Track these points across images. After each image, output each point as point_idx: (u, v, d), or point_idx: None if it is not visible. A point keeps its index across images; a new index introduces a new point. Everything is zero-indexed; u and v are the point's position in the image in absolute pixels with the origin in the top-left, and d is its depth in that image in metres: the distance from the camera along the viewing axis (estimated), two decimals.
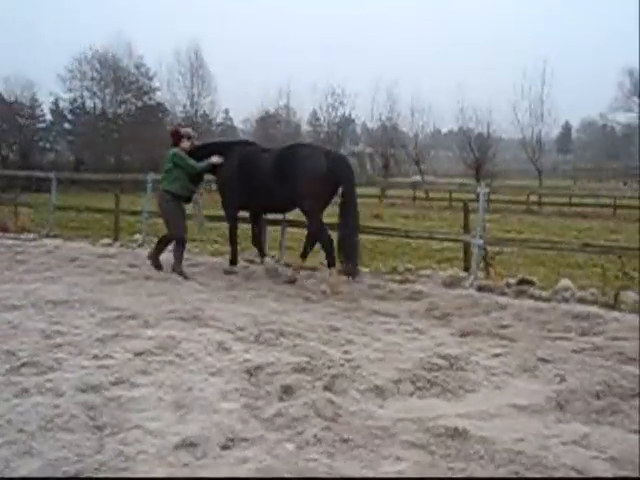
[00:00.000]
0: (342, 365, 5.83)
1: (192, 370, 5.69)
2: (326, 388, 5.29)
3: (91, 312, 7.70)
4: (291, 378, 5.41)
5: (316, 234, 10.27)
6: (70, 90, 61.40)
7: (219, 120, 74.33)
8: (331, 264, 10.13)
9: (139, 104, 62.37)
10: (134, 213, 15.74)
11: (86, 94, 61.54)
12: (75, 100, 62.24)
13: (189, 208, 11.29)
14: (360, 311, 8.27)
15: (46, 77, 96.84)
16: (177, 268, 10.61)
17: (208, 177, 11.80)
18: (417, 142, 60.32)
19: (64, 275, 10.28)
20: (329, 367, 5.74)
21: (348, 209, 10.09)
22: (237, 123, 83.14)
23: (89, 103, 62.12)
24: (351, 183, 10.13)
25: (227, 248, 11.63)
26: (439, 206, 35.98)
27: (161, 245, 11.15)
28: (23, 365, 5.66)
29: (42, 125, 65.51)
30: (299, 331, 7.01)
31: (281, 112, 68.49)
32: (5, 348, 6.13)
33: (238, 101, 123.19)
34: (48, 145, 65.94)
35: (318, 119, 68.52)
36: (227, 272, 10.91)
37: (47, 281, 9.69)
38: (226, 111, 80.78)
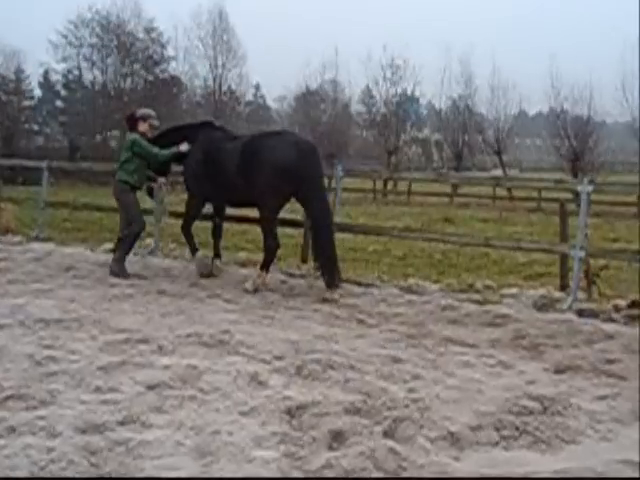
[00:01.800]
0: (407, 406, 5.80)
1: (218, 409, 5.71)
2: (387, 434, 5.27)
3: (92, 334, 7.78)
4: (343, 421, 5.41)
5: (265, 235, 10.98)
6: (64, 60, 61.18)
7: (248, 98, 74.74)
8: (263, 268, 10.92)
9: (149, 77, 62.06)
10: (143, 212, 15.83)
11: (84, 65, 61.32)
12: (70, 72, 62.39)
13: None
14: (429, 338, 8.22)
15: (34, 43, 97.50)
16: (118, 267, 11.34)
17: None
18: (498, 127, 59.69)
19: (58, 288, 10.40)
20: (390, 408, 5.72)
21: (316, 206, 10.88)
22: (270, 102, 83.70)
23: (87, 76, 61.81)
24: (319, 177, 11.13)
25: (257, 257, 11.67)
26: (526, 207, 35.64)
27: (125, 245, 11.67)
28: (9, 398, 5.73)
29: (29, 103, 65.73)
30: (352, 362, 6.99)
31: (326, 88, 68.55)
32: None
33: (272, 74, 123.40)
34: (36, 127, 66.36)
35: (372, 97, 67.92)
36: (202, 274, 11.64)
37: (37, 295, 9.81)
38: (257, 86, 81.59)
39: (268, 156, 10.76)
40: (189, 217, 12.07)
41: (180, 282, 11.11)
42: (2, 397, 5.73)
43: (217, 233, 12.31)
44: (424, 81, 77.39)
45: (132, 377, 6.36)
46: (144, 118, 11.86)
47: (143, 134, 11.78)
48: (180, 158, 11.91)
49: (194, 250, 11.97)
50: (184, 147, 11.68)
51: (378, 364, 7.05)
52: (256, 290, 10.54)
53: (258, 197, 10.87)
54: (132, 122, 11.85)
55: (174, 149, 11.66)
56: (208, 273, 11.62)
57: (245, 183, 10.93)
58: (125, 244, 11.56)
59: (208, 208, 12.38)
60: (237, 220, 13.28)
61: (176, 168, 12.53)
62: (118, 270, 11.24)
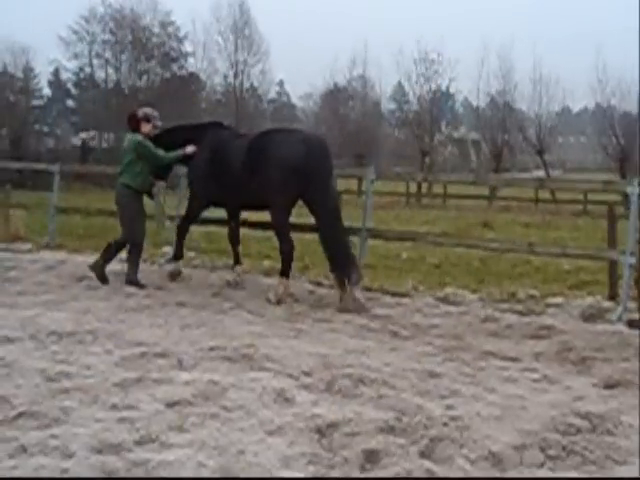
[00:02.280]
0: (445, 424, 5.78)
1: (243, 427, 5.70)
2: (424, 454, 5.26)
3: (107, 348, 7.81)
4: (376, 440, 5.39)
5: (279, 238, 11.04)
6: (75, 57, 61.71)
7: (272, 95, 74.92)
8: (283, 275, 10.97)
9: (165, 75, 62.36)
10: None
11: (96, 62, 61.86)
12: (81, 70, 62.90)
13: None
14: (468, 352, 8.21)
15: (44, 40, 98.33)
16: (132, 277, 11.40)
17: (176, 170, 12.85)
18: (540, 124, 59.49)
19: (70, 299, 10.48)
20: (427, 427, 5.70)
21: (326, 206, 10.93)
22: (295, 99, 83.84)
23: (100, 73, 62.38)
24: (328, 175, 11.13)
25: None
26: (571, 211, 35.54)
27: (110, 251, 11.79)
28: (20, 416, 5.75)
29: (38, 102, 66.21)
30: (385, 377, 6.99)
31: (355, 85, 68.59)
32: None
33: (297, 71, 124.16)
34: (46, 128, 66.63)
35: (405, 94, 67.99)
36: (171, 275, 12.08)
37: (49, 306, 9.87)
38: (281, 83, 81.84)
39: (275, 152, 10.88)
40: (188, 219, 12.25)
41: (200, 292, 11.17)
42: (13, 415, 5.74)
43: (234, 239, 12.41)
44: (460, 76, 77.16)
45: (150, 394, 6.37)
46: (148, 119, 11.95)
47: (146, 135, 11.87)
48: (185, 160, 12.04)
49: (179, 254, 12.26)
50: (190, 149, 11.82)
51: (414, 379, 7.05)
52: (279, 301, 10.60)
53: (266, 197, 10.96)
54: (135, 122, 11.93)
55: (180, 152, 11.82)
56: (175, 278, 12.06)
57: (251, 182, 11.05)
58: (132, 258, 11.65)
59: (222, 214, 12.50)
60: (250, 225, 13.27)
61: (177, 170, 12.68)
62: (134, 280, 11.36)
